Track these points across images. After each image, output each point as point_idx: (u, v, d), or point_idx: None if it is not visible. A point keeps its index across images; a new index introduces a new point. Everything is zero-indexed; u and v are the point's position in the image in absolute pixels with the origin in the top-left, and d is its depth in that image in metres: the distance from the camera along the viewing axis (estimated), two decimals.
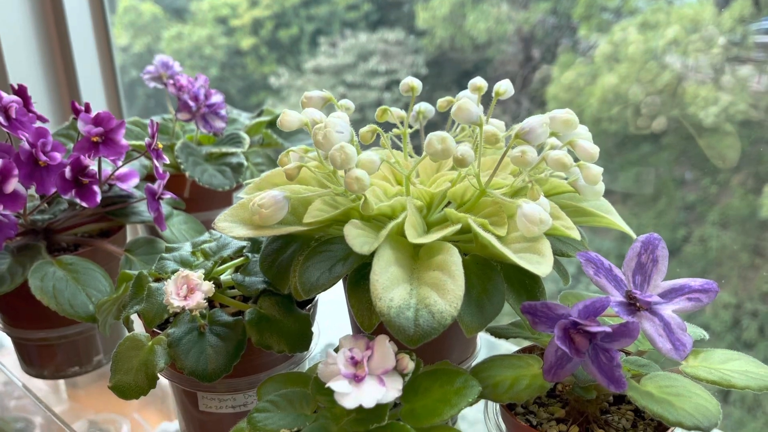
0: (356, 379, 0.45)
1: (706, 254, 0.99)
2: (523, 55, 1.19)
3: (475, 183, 0.56)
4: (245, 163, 0.90)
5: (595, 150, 0.57)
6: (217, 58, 1.63)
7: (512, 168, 0.61)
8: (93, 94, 1.45)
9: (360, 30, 1.44)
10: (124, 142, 0.70)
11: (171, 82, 0.92)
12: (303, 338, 0.59)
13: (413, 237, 0.50)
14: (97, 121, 0.69)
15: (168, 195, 0.75)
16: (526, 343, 0.61)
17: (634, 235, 0.61)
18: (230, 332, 0.58)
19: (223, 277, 0.64)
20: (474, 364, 0.60)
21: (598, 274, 0.49)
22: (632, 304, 0.48)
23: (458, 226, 0.54)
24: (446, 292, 0.48)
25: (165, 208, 0.81)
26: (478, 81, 0.68)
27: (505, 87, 0.66)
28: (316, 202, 0.57)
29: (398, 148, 0.73)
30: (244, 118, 1.09)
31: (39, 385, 0.94)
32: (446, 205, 0.62)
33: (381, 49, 1.39)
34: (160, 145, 0.72)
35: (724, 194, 0.97)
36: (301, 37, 1.53)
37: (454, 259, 0.49)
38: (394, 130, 0.68)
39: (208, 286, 0.54)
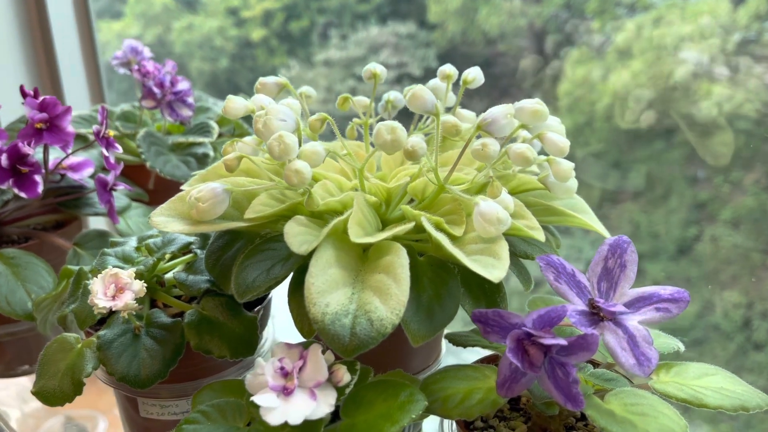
0: (285, 392, 0.41)
1: (717, 253, 0.97)
2: (536, 50, 1.17)
3: (433, 178, 0.52)
4: (212, 153, 0.86)
5: (565, 144, 0.52)
6: (228, 49, 1.61)
7: (480, 163, 0.57)
8: (74, 79, 1.41)
9: (371, 23, 1.42)
10: (70, 129, 0.65)
11: (136, 67, 0.87)
12: (247, 342, 0.55)
13: (357, 236, 0.46)
14: (42, 106, 0.65)
15: (121, 186, 0.71)
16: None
17: (608, 235, 0.57)
18: (168, 335, 0.54)
19: (169, 275, 0.60)
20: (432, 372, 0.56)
21: (558, 280, 0.45)
22: (595, 314, 0.44)
23: (411, 225, 0.50)
24: (389, 298, 0.43)
25: (122, 200, 0.77)
26: (447, 68, 0.63)
27: (473, 75, 0.61)
28: (261, 195, 0.52)
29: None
30: (219, 107, 1.05)
31: (19, 380, 0.91)
32: (409, 202, 0.58)
33: (392, 42, 1.37)
34: (111, 133, 0.68)
35: (736, 193, 0.94)
36: (311, 30, 1.51)
37: (400, 260, 0.45)
38: (356, 120, 0.64)
39: (139, 286, 0.50)
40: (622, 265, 0.46)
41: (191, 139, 0.87)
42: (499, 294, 0.51)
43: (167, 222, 0.51)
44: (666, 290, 0.44)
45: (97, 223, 0.97)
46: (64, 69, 1.38)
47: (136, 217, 0.78)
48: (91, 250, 0.70)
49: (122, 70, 0.97)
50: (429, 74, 1.29)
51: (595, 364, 0.53)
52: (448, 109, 0.65)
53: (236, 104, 0.54)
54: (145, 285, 0.51)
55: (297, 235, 0.46)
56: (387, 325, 0.42)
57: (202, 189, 0.51)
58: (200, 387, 0.57)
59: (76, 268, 0.61)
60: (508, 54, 1.20)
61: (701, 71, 0.94)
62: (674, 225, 1.02)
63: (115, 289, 0.49)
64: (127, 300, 0.48)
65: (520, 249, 0.53)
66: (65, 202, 0.74)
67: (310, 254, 0.45)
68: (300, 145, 0.51)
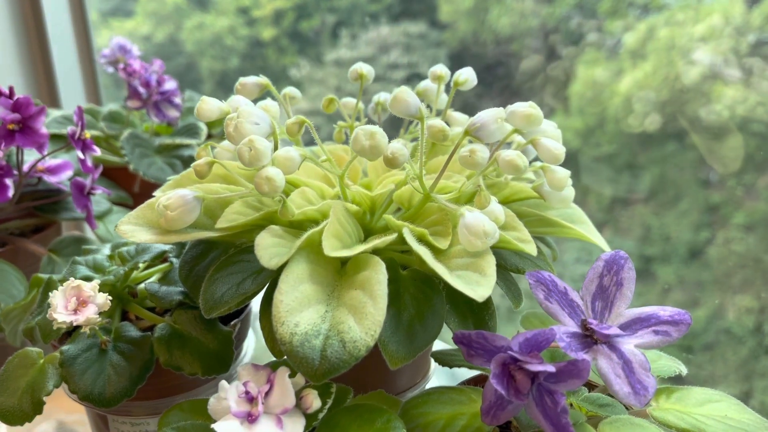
0: (249, 418, 0.38)
1: (729, 257, 0.95)
2: (547, 51, 1.16)
3: (419, 186, 0.48)
4: None
5: (560, 150, 0.49)
6: (238, 48, 1.61)
7: (471, 170, 0.53)
8: (69, 79, 1.39)
9: (382, 22, 1.41)
10: (44, 130, 0.62)
11: (122, 66, 0.84)
12: (221, 359, 0.52)
13: (333, 249, 0.42)
14: (16, 106, 0.62)
15: (99, 190, 0.68)
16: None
17: (607, 248, 0.53)
18: (136, 350, 0.51)
19: (142, 286, 0.57)
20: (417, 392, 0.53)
21: (549, 299, 0.41)
22: (588, 336, 0.41)
23: (393, 236, 0.46)
24: (364, 317, 0.40)
25: (102, 204, 0.74)
26: (439, 69, 0.60)
27: (465, 76, 0.58)
28: (235, 203, 0.49)
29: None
30: None
31: None
32: (397, 210, 0.55)
33: (402, 42, 1.36)
34: (88, 135, 0.65)
35: (750, 196, 0.92)
36: (322, 29, 1.50)
37: (378, 276, 0.42)
38: (340, 123, 0.61)
39: (103, 299, 0.47)
40: (618, 283, 0.42)
41: (178, 140, 0.84)
42: (488, 311, 0.47)
43: (135, 231, 0.48)
44: (665, 311, 0.41)
45: (77, 228, 0.94)
46: (60, 68, 1.35)
47: (117, 221, 0.74)
48: (66, 256, 0.68)
49: (110, 69, 0.94)
50: None
51: (591, 386, 0.50)
52: (440, 113, 0.62)
53: (210, 106, 0.51)
54: (110, 299, 0.48)
55: (269, 248, 0.43)
56: (361, 347, 0.39)
57: (171, 196, 0.47)
58: (170, 404, 0.54)
59: (47, 276, 0.58)
60: (519, 54, 1.19)
61: (714, 73, 0.92)
62: (686, 228, 1.00)
63: (77, 302, 0.46)
64: (89, 314, 0.45)
65: (510, 262, 0.49)
66: (42, 207, 0.71)
67: (275, 269, 0.41)
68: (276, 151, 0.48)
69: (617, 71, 1.04)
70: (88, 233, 0.88)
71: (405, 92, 0.45)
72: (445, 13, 1.28)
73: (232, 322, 0.56)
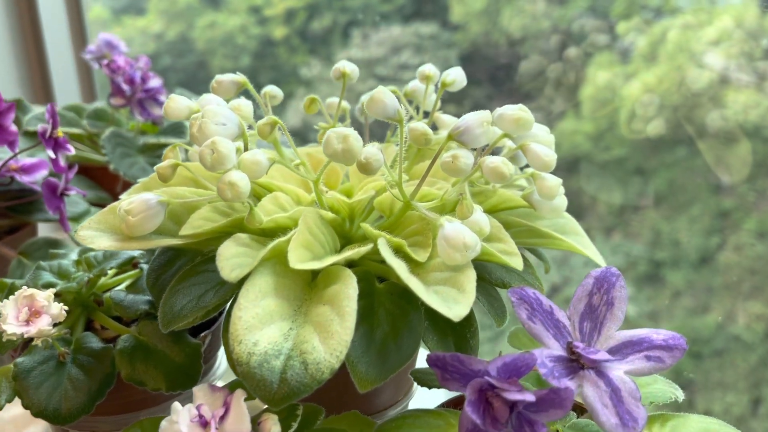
0: None
1: (740, 263, 0.95)
2: (559, 53, 1.15)
3: (398, 194, 0.45)
4: (184, 156, 0.80)
5: (551, 157, 0.46)
6: (250, 47, 1.60)
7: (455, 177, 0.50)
8: (64, 78, 1.36)
9: (393, 22, 1.40)
10: (13, 128, 0.60)
11: (105, 62, 0.82)
12: (187, 373, 0.48)
13: (300, 261, 0.39)
14: None
15: (73, 191, 0.65)
16: None
17: (602, 262, 0.50)
18: (96, 363, 0.48)
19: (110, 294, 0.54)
20: (398, 411, 0.50)
21: (533, 319, 0.38)
22: (574, 360, 0.37)
23: (368, 247, 0.43)
24: (330, 336, 0.37)
25: (79, 206, 0.71)
26: (427, 69, 0.57)
27: (453, 76, 0.55)
28: (203, 209, 0.46)
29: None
30: None
31: None
32: (379, 218, 0.52)
33: (414, 42, 1.36)
34: (60, 133, 0.62)
35: (762, 202, 0.91)
36: (333, 29, 1.50)
37: (347, 291, 0.38)
38: (321, 124, 0.58)
39: (58, 309, 0.44)
40: (609, 303, 0.39)
41: (162, 140, 0.81)
42: (470, 329, 0.44)
43: (95, 236, 0.45)
44: (659, 335, 0.37)
45: (56, 228, 0.91)
46: (54, 65, 1.33)
47: None
48: (38, 260, 0.64)
49: (96, 65, 0.91)
50: None
51: (581, 410, 0.46)
52: (427, 114, 0.59)
53: (178, 104, 0.48)
54: (65, 308, 0.45)
55: (231, 258, 0.40)
56: (324, 369, 0.36)
57: (133, 201, 0.44)
58: (133, 420, 0.51)
59: (10, 282, 0.55)
60: (531, 57, 1.18)
61: (726, 77, 0.89)
62: (697, 233, 0.99)
63: (29, 312, 0.43)
64: (41, 326, 0.42)
65: (495, 276, 0.46)
66: (16, 207, 0.68)
67: (234, 282, 0.38)
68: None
69: (628, 74, 1.02)
70: (66, 235, 0.86)
71: (382, 93, 0.42)
72: (457, 14, 1.28)
73: (202, 334, 0.53)
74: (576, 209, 1.16)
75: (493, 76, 1.25)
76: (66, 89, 1.37)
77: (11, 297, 0.43)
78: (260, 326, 0.37)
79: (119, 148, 0.78)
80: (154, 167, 0.45)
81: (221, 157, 0.40)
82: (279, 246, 0.41)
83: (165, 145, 0.82)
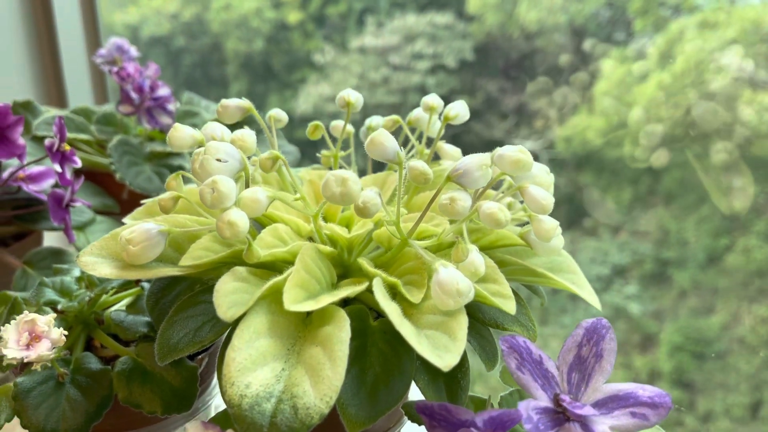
0: None
1: (747, 265, 0.94)
2: (574, 48, 1.15)
3: (395, 231, 0.46)
4: (189, 166, 0.80)
5: (549, 201, 0.46)
6: (264, 31, 1.60)
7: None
8: (78, 80, 1.37)
9: (409, 11, 1.40)
10: (20, 141, 0.61)
11: (115, 70, 0.82)
12: (183, 397, 0.49)
13: (295, 302, 0.40)
14: None
15: (79, 203, 0.66)
16: None
17: (598, 305, 0.50)
18: (94, 384, 0.49)
19: (111, 312, 0.55)
20: None
21: (521, 369, 0.39)
22: (560, 413, 0.38)
23: (363, 286, 0.44)
24: (321, 381, 0.37)
25: (84, 214, 0.72)
26: (431, 99, 0.57)
27: (456, 111, 0.55)
28: (203, 238, 0.47)
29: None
30: (211, 113, 1.00)
31: None
32: (377, 248, 0.52)
33: (428, 32, 1.36)
34: (67, 147, 0.63)
35: None
36: (348, 15, 1.50)
37: (340, 335, 0.39)
38: (323, 152, 0.58)
39: (58, 335, 0.45)
40: (597, 355, 0.39)
41: (169, 148, 0.82)
42: (461, 369, 0.44)
43: (96, 263, 0.46)
44: (645, 391, 0.38)
45: (58, 237, 0.93)
46: (68, 67, 1.34)
47: (99, 232, 0.73)
48: (42, 269, 0.66)
49: (107, 69, 0.92)
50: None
51: None
52: (430, 141, 0.59)
53: (182, 134, 0.48)
54: (65, 333, 0.46)
55: (228, 295, 0.41)
56: (314, 414, 0.36)
57: (134, 230, 0.45)
58: None
59: (14, 296, 0.56)
60: (545, 50, 1.18)
61: (743, 78, 0.89)
62: (705, 233, 0.99)
63: (29, 337, 0.44)
64: (41, 351, 0.43)
65: (489, 316, 0.47)
66: (23, 216, 0.69)
67: (230, 321, 0.39)
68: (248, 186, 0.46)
69: (645, 71, 1.02)
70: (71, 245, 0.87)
71: (383, 136, 0.43)
72: (473, 4, 1.28)
73: (200, 356, 0.54)
74: (584, 206, 1.16)
75: (507, 69, 1.25)
76: (79, 90, 1.38)
77: (12, 321, 0.44)
78: (253, 368, 0.38)
79: (126, 156, 0.79)
80: (156, 199, 0.46)
81: (221, 196, 0.41)
82: (275, 285, 0.41)
83: (171, 154, 0.83)
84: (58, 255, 0.67)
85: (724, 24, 0.92)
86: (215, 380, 0.59)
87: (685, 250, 1.02)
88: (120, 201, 0.83)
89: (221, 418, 0.44)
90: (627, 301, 1.13)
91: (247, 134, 0.49)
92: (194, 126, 0.90)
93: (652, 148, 0.95)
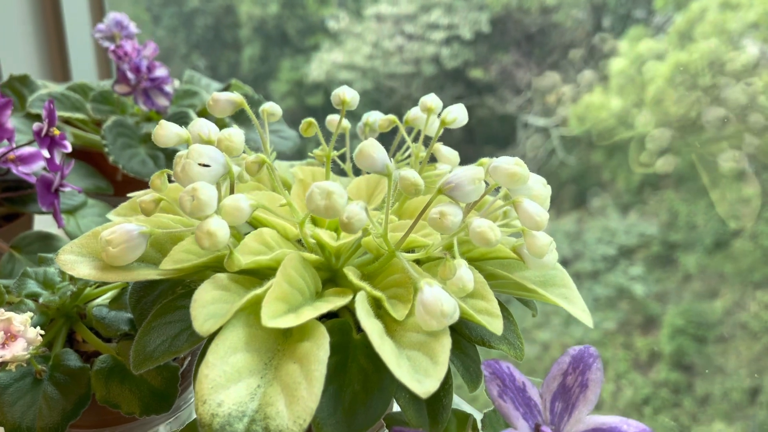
0: None
1: (755, 251, 0.94)
2: (592, 24, 1.13)
3: (383, 243, 0.44)
4: (184, 149, 0.79)
5: (543, 217, 0.44)
6: None
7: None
8: (82, 54, 1.35)
9: None
10: (9, 125, 0.59)
11: (112, 48, 0.80)
12: (163, 398, 0.49)
13: (273, 316, 0.39)
14: None
15: (69, 188, 0.65)
16: None
17: (590, 323, 0.49)
18: (72, 383, 0.48)
19: (93, 305, 0.54)
20: None
21: (503, 396, 0.38)
22: None
23: (348, 299, 0.43)
24: (295, 402, 0.36)
25: (75, 198, 0.71)
26: (430, 100, 0.55)
27: (454, 114, 0.53)
28: (185, 241, 0.45)
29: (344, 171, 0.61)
30: (211, 91, 0.98)
31: None
32: (365, 253, 0.51)
33: (445, 1, 1.33)
34: (57, 132, 0.61)
35: None
36: None
37: (318, 353, 0.38)
38: (315, 151, 0.57)
39: (34, 334, 0.44)
40: (583, 385, 0.38)
41: None
42: (444, 387, 0.43)
43: (75, 263, 0.45)
44: (630, 427, 0.37)
45: (49, 220, 0.92)
46: (72, 41, 1.31)
47: (90, 216, 0.72)
48: (29, 254, 0.65)
49: (105, 44, 0.90)
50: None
51: None
52: (428, 140, 0.58)
53: (167, 131, 0.47)
54: (41, 333, 0.45)
55: (206, 305, 0.40)
56: None
57: (114, 230, 0.44)
58: None
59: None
60: (563, 25, 1.16)
61: (764, 61, 0.86)
62: (714, 218, 0.97)
63: (5, 336, 0.43)
64: (16, 351, 0.43)
65: (475, 333, 0.45)
66: (12, 198, 0.68)
67: (205, 336, 0.38)
68: (233, 191, 0.44)
69: (663, 50, 1.00)
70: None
71: (372, 148, 0.41)
72: None
73: (182, 354, 0.53)
74: (594, 185, 1.14)
75: (523, 43, 1.23)
76: (83, 64, 1.36)
77: None
78: (227, 385, 0.37)
79: (120, 138, 0.77)
80: (138, 201, 0.44)
81: (201, 204, 0.39)
82: (255, 297, 0.40)
83: None
84: (46, 240, 0.66)
85: (746, 5, 0.90)
86: None
87: (694, 233, 1.00)
88: (114, 182, 0.82)
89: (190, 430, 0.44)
90: (631, 282, 1.12)
91: (234, 133, 0.48)
92: (193, 106, 0.88)
93: (658, 152, 0.93)
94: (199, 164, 0.41)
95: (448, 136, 0.56)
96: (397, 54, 1.39)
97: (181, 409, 0.56)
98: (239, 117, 0.89)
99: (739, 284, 0.96)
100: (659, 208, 1.06)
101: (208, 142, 0.48)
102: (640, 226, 1.09)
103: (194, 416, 0.59)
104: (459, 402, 0.69)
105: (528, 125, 1.19)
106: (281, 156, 0.93)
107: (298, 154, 0.98)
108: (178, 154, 0.42)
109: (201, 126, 0.48)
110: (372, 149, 0.41)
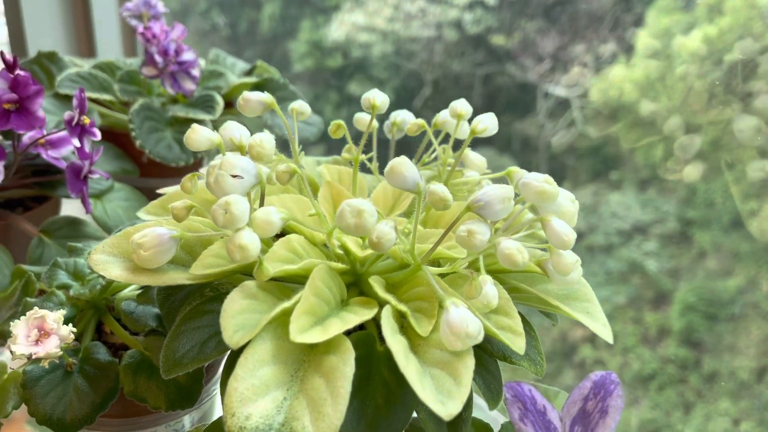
0: None
1: None
2: None
3: (409, 258, 0.45)
4: None
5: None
6: None
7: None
8: (107, 30, 1.34)
9: None
10: (40, 113, 0.60)
11: (140, 30, 0.80)
12: (188, 394, 0.50)
13: (301, 331, 0.39)
14: (14, 84, 0.59)
15: (97, 174, 0.66)
16: None
17: (610, 339, 0.49)
18: (102, 376, 0.49)
19: (123, 295, 0.55)
20: None
21: (524, 419, 0.38)
22: None
23: (372, 313, 0.43)
24: (321, 418, 0.37)
25: (102, 182, 0.72)
26: (460, 106, 0.55)
27: (485, 124, 0.53)
28: (215, 245, 0.46)
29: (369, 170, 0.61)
30: (237, 72, 0.98)
31: None
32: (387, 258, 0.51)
33: None
34: (87, 120, 0.62)
35: None
36: None
37: (344, 369, 0.39)
38: (344, 155, 0.57)
39: (67, 331, 0.45)
40: (603, 411, 0.39)
41: (191, 114, 0.80)
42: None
43: (107, 263, 0.46)
44: None
45: (76, 204, 0.93)
46: (98, 17, 1.31)
47: (117, 201, 0.72)
48: (58, 239, 0.66)
49: (134, 22, 0.90)
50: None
51: None
52: (457, 144, 0.58)
53: (198, 136, 0.47)
54: (73, 330, 0.46)
55: (236, 315, 0.40)
56: None
57: (146, 234, 0.45)
58: (139, 425, 0.53)
59: (28, 271, 0.56)
60: None
61: None
62: (730, 197, 0.96)
63: (38, 333, 0.44)
64: (49, 348, 0.44)
65: (497, 348, 0.46)
66: (42, 182, 0.69)
67: (235, 348, 0.39)
68: (262, 202, 0.45)
69: (690, 23, 0.98)
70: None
71: (403, 165, 0.41)
72: None
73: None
74: (613, 159, 1.13)
75: (548, 11, 1.20)
76: (108, 40, 1.36)
77: (23, 318, 0.45)
78: (254, 398, 0.38)
79: (147, 122, 0.78)
80: (170, 207, 0.45)
81: (234, 218, 0.40)
82: (284, 310, 0.41)
83: (193, 120, 0.81)
84: (74, 225, 0.67)
85: None
86: (219, 372, 0.59)
87: (711, 211, 0.99)
88: (140, 164, 0.82)
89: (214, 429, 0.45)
90: (645, 257, 1.12)
91: (266, 139, 0.48)
92: (218, 89, 0.88)
93: (686, 160, 0.92)
94: (232, 175, 0.41)
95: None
96: (419, 17, 1.36)
97: (203, 401, 0.57)
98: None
99: (753, 264, 0.95)
100: (677, 185, 1.04)
101: (239, 147, 0.48)
102: (656, 201, 1.09)
103: (216, 409, 0.61)
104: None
105: (548, 95, 1.17)
106: (305, 142, 0.93)
107: (322, 137, 0.98)
108: (211, 163, 0.43)
109: (232, 130, 0.48)
110: (403, 167, 0.41)
